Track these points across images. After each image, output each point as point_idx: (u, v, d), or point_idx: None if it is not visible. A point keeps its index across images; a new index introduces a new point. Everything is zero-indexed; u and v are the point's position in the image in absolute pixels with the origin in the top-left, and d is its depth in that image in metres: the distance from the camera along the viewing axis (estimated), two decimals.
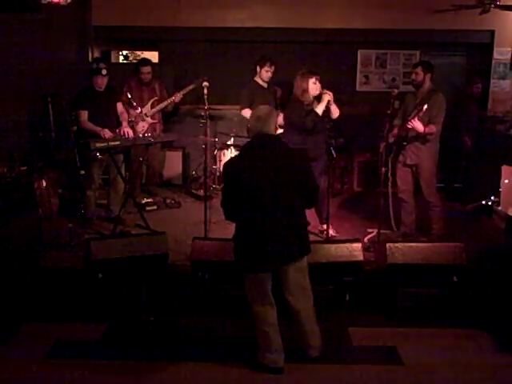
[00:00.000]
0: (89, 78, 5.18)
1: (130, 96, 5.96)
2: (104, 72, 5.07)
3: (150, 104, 6.23)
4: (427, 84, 4.91)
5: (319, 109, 4.80)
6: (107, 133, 5.07)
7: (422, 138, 4.80)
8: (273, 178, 3.18)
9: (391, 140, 4.88)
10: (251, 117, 3.45)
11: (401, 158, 4.97)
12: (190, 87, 6.25)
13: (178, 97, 6.30)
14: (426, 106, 4.55)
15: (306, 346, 3.48)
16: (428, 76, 4.91)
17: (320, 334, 3.50)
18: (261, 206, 3.19)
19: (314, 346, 3.47)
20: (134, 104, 6.03)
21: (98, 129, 5.07)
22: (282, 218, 3.20)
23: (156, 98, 6.27)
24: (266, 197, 3.17)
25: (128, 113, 5.74)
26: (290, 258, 3.27)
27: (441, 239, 4.76)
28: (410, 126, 4.65)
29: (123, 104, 5.60)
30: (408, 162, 4.96)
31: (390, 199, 4.91)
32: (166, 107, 6.36)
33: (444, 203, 5.15)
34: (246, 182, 3.20)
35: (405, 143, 4.86)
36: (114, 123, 5.34)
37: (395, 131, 4.95)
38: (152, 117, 6.25)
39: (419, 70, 4.90)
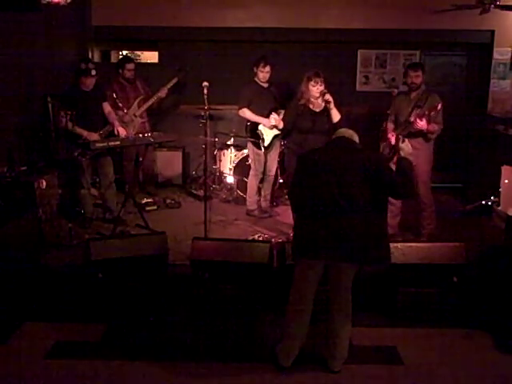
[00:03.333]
0: (76, 77, 5.15)
1: (118, 101, 5.98)
2: (93, 73, 5.05)
3: (136, 104, 6.24)
4: (422, 86, 4.97)
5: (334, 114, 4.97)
6: (93, 136, 5.06)
7: (422, 136, 4.81)
8: (342, 176, 3.22)
9: (392, 137, 4.90)
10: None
11: (395, 159, 4.96)
12: (174, 81, 6.31)
13: (163, 92, 6.34)
14: (439, 106, 4.61)
15: (331, 356, 3.42)
16: (424, 77, 4.98)
17: (346, 355, 3.44)
18: (328, 201, 3.23)
19: (340, 357, 3.42)
20: (121, 106, 6.04)
21: (84, 132, 5.06)
22: (348, 217, 3.21)
23: (142, 96, 6.28)
24: (334, 193, 3.21)
25: (117, 115, 5.74)
26: (344, 258, 3.26)
27: (441, 239, 4.75)
28: (418, 126, 4.68)
29: (111, 107, 5.60)
30: None
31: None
32: (152, 104, 6.37)
33: (444, 203, 5.16)
34: (316, 175, 3.28)
35: (401, 140, 4.86)
36: (100, 123, 5.33)
37: (392, 133, 4.94)
38: (140, 116, 6.26)
39: (420, 72, 4.93)
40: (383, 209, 3.36)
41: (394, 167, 4.92)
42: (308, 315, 3.42)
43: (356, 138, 3.52)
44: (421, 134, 4.83)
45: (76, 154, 5.11)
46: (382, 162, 3.38)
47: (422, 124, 4.67)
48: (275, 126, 5.61)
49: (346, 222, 3.22)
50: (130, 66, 6.23)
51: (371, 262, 3.37)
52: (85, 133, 5.06)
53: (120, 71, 6.25)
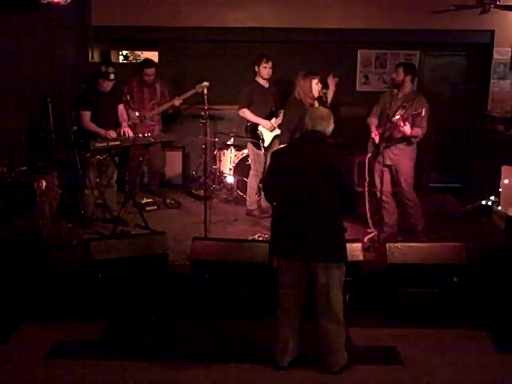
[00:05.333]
0: (95, 78, 5.17)
1: (129, 98, 5.96)
2: (112, 77, 5.08)
3: (149, 106, 6.22)
4: (408, 86, 4.93)
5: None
6: (111, 134, 5.07)
7: (405, 140, 4.80)
8: (309, 174, 3.23)
9: (376, 136, 4.88)
10: (307, 115, 3.47)
11: (380, 158, 4.96)
12: (192, 92, 6.10)
13: (177, 101, 6.26)
14: (423, 111, 4.56)
15: (324, 359, 3.43)
16: (408, 78, 4.92)
17: (341, 354, 3.41)
18: (294, 198, 3.27)
19: (332, 362, 3.41)
20: (133, 106, 6.02)
21: (101, 131, 5.08)
22: (313, 215, 3.23)
23: (156, 100, 6.26)
24: (300, 191, 3.24)
25: (127, 114, 5.73)
26: (314, 257, 3.27)
27: (441, 239, 4.76)
28: (401, 130, 4.64)
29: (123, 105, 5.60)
30: (387, 162, 4.95)
31: (367, 199, 4.90)
32: (166, 110, 6.35)
33: (444, 203, 5.14)
34: (285, 172, 3.31)
35: (385, 144, 4.84)
36: (115, 124, 5.34)
37: (377, 131, 4.93)
38: (150, 119, 6.24)
39: (400, 70, 4.92)
40: (338, 207, 3.32)
41: (378, 165, 4.96)
42: (296, 316, 3.43)
43: (327, 128, 3.39)
44: (403, 138, 4.78)
45: (88, 154, 5.14)
46: (344, 165, 3.31)
47: (405, 129, 4.64)
48: (275, 128, 5.62)
49: (308, 220, 3.23)
50: (148, 71, 6.12)
51: (335, 259, 3.31)
52: (102, 131, 5.08)
53: (140, 73, 6.22)
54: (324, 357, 3.42)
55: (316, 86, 4.89)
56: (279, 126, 5.68)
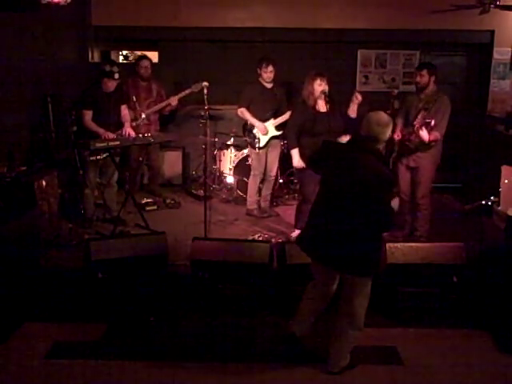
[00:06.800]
0: (98, 78, 5.15)
1: (135, 99, 5.95)
2: (116, 76, 5.06)
3: (145, 105, 6.21)
4: (431, 86, 4.90)
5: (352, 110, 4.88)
6: (109, 136, 5.07)
7: (424, 144, 4.80)
8: (348, 182, 3.09)
9: (398, 137, 4.89)
10: (365, 118, 3.22)
11: (404, 160, 4.97)
12: (187, 91, 6.07)
13: (173, 101, 6.20)
14: (433, 122, 4.54)
15: (328, 361, 3.43)
16: (432, 78, 4.89)
17: (345, 357, 3.41)
18: (329, 203, 3.20)
19: (331, 363, 3.41)
20: (135, 106, 6.02)
21: (100, 130, 5.08)
22: (344, 225, 3.11)
23: (152, 99, 6.25)
24: (336, 197, 3.15)
25: (132, 114, 5.73)
26: (339, 267, 3.24)
27: (441, 239, 4.75)
28: (419, 135, 4.63)
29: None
30: (411, 164, 4.97)
31: None
32: (162, 109, 6.34)
33: (444, 203, 5.13)
34: (327, 172, 3.27)
35: (407, 143, 4.86)
36: (116, 125, 5.34)
37: (399, 130, 4.94)
38: (146, 118, 6.22)
39: (425, 72, 4.87)
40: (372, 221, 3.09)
41: (401, 166, 4.96)
42: (317, 308, 3.51)
43: (382, 135, 3.16)
44: (422, 142, 4.76)
45: (86, 154, 5.13)
46: (382, 185, 3.06)
47: (423, 134, 4.61)
48: (268, 132, 5.65)
49: (338, 229, 3.13)
50: (143, 63, 6.15)
51: (353, 274, 3.23)
52: (101, 130, 5.08)
53: (136, 69, 6.21)
54: (328, 356, 3.42)
55: (318, 87, 4.87)
56: (278, 127, 5.70)
